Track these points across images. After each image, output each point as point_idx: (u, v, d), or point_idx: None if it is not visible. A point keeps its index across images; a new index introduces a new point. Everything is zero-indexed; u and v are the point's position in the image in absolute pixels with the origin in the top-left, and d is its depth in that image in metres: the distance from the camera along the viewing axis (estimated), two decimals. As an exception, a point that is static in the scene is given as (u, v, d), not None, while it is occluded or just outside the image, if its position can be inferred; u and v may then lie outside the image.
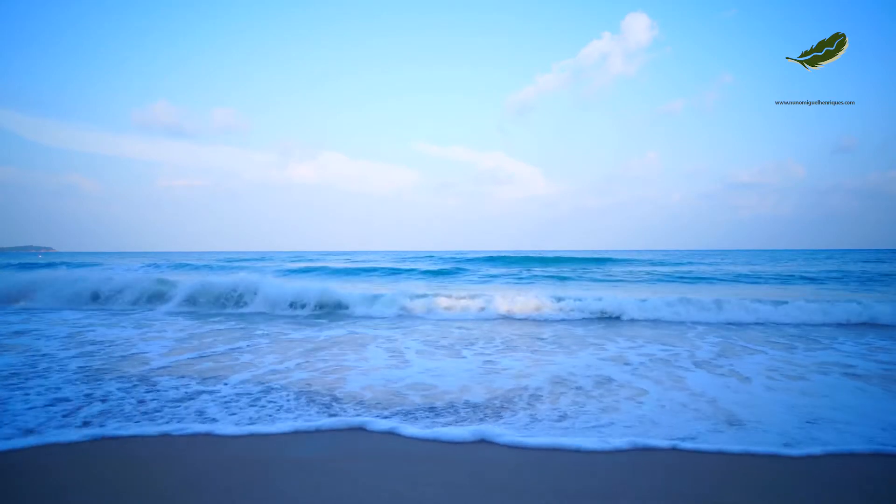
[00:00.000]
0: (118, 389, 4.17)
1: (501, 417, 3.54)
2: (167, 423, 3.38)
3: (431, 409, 3.75)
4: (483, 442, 3.10)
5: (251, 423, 3.39)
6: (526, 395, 4.14)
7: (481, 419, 3.50)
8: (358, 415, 3.59)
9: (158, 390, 4.18)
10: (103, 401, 3.86)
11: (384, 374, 4.88)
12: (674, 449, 2.96)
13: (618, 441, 3.04)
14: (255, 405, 3.81)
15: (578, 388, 4.35)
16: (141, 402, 3.84)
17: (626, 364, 5.32)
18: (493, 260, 30.89)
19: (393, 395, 4.14)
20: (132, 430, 3.24)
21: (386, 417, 3.53)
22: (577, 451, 2.93)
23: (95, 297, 11.25)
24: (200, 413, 3.60)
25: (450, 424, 3.38)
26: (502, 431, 3.22)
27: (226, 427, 3.31)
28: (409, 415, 3.60)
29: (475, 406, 3.82)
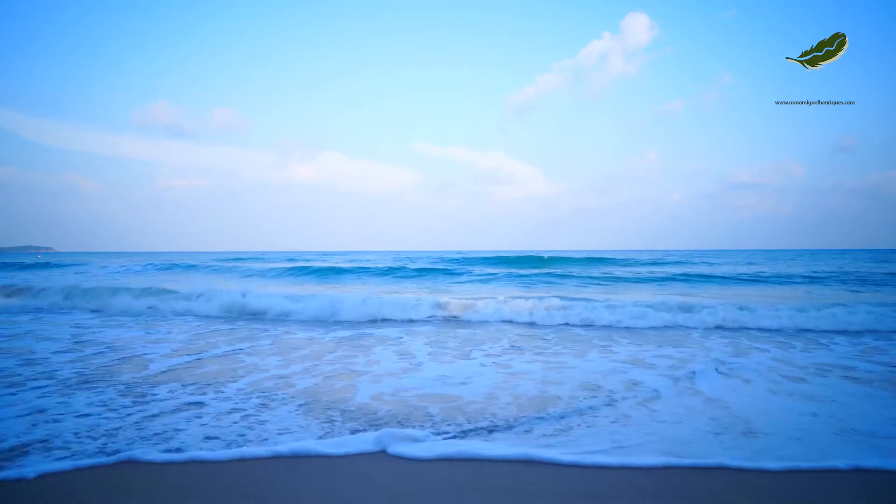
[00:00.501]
0: (90, 404, 3.76)
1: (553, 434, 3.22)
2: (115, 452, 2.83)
3: (466, 425, 3.40)
4: (531, 462, 2.77)
5: (240, 446, 2.95)
6: (561, 404, 3.89)
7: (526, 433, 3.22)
8: (366, 430, 3.39)
9: (144, 401, 4.07)
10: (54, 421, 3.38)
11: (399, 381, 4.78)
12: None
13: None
14: (250, 420, 3.45)
15: (612, 396, 4.11)
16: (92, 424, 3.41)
17: (648, 368, 5.21)
18: (486, 260, 30.64)
19: (412, 407, 3.87)
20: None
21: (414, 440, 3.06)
22: (646, 469, 2.70)
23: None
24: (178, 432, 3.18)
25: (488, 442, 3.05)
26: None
27: (210, 451, 2.85)
28: (439, 433, 3.18)
29: (514, 421, 3.46)
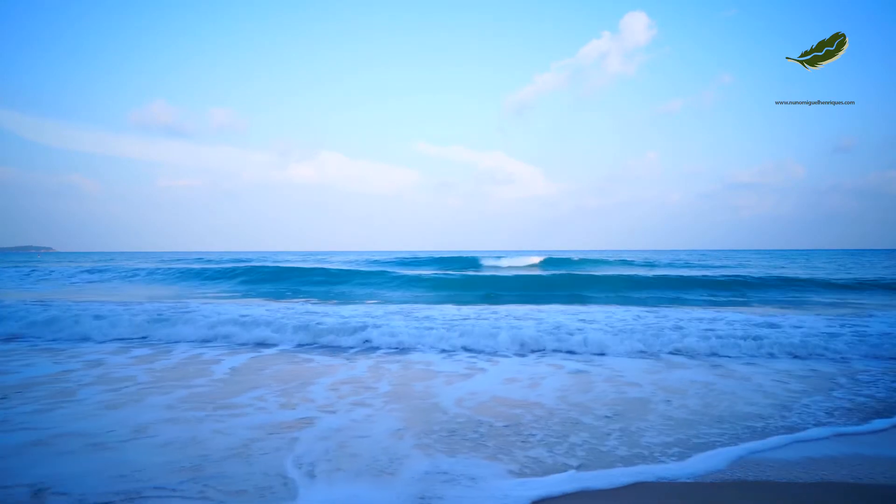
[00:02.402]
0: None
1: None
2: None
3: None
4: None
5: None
6: (670, 408, 3.52)
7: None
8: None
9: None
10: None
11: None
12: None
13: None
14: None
15: (706, 398, 3.75)
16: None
17: (684, 369, 4.97)
18: (464, 261, 27.92)
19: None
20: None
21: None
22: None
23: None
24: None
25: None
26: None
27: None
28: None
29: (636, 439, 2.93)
